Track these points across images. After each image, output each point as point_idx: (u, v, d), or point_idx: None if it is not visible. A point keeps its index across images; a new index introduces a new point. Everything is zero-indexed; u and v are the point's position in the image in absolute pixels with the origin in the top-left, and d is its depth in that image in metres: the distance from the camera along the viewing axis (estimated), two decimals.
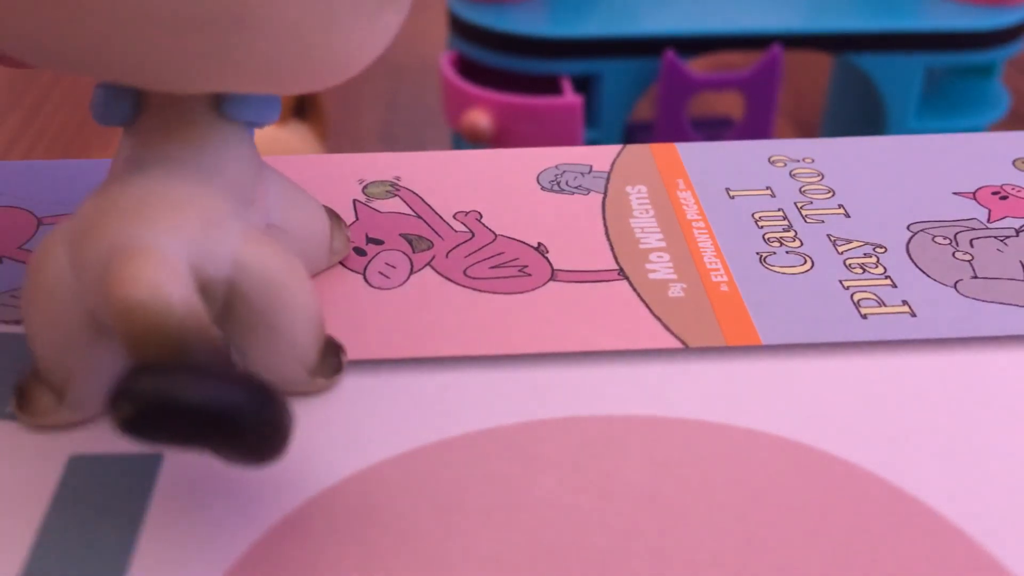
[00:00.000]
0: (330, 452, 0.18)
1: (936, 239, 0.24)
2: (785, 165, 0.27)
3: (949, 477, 0.18)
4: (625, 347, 0.21)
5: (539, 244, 0.24)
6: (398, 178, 0.26)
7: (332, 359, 0.20)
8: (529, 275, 0.23)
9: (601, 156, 0.28)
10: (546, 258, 0.23)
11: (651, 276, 0.23)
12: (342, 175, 0.26)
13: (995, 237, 0.24)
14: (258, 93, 0.18)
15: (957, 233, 0.25)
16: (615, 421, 0.19)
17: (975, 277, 0.23)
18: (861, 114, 0.87)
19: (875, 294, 0.22)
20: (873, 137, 0.29)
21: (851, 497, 0.18)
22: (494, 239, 0.24)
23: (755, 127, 0.80)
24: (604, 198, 0.26)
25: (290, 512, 0.17)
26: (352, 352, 0.21)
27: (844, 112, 0.92)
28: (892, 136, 0.29)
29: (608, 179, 0.27)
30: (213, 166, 0.18)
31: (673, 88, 0.77)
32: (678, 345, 0.21)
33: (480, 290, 0.22)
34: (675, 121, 0.79)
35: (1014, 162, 0.28)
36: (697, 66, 1.15)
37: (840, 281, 0.23)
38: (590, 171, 0.27)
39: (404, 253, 0.24)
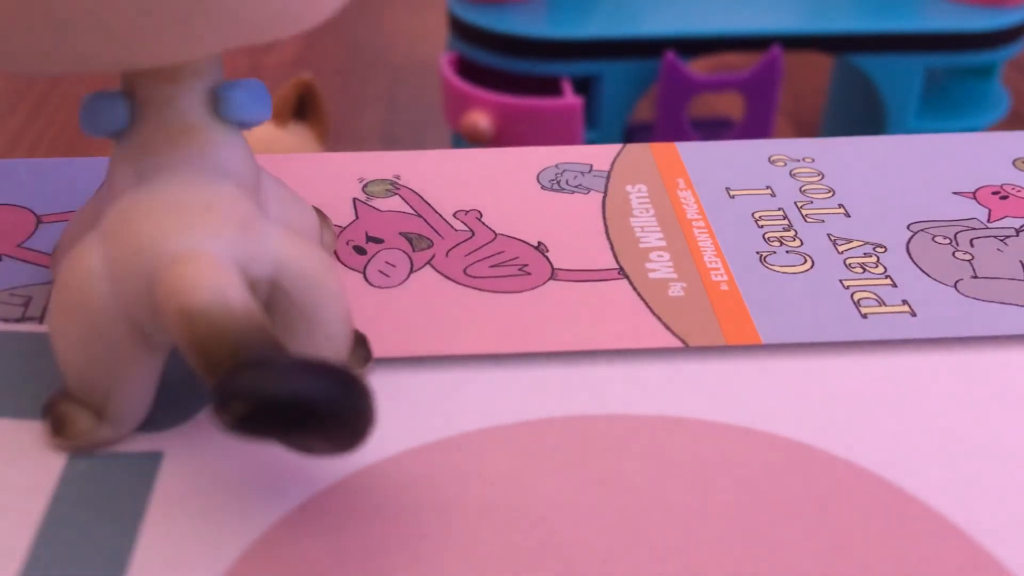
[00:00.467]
0: None
1: (936, 239, 0.24)
2: (785, 165, 0.27)
3: (949, 477, 0.18)
4: (625, 346, 0.21)
5: (539, 243, 0.24)
6: (398, 177, 0.26)
7: (361, 350, 0.20)
8: (529, 274, 0.23)
9: (601, 155, 0.28)
10: (546, 257, 0.23)
11: (651, 275, 0.23)
12: (342, 174, 0.26)
13: (995, 237, 0.24)
14: (238, 45, 0.17)
15: (957, 233, 0.25)
16: (615, 420, 0.19)
17: (975, 277, 0.23)
18: (861, 115, 0.87)
19: (875, 294, 0.22)
20: (873, 137, 0.29)
21: (851, 496, 0.18)
22: (494, 238, 0.24)
23: (755, 128, 0.80)
24: (604, 197, 0.26)
25: (290, 512, 0.17)
26: None
27: (844, 113, 0.92)
28: (892, 136, 0.29)
29: (608, 178, 0.27)
30: (223, 168, 0.18)
31: (673, 89, 0.77)
32: (678, 344, 0.21)
33: (480, 289, 0.22)
34: (675, 122, 0.79)
35: (1014, 162, 0.28)
36: (697, 67, 1.15)
37: (840, 281, 0.23)
38: (590, 170, 0.27)
39: (404, 252, 0.24)
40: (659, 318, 0.22)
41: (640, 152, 0.28)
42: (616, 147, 0.28)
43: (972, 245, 0.24)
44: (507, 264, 0.23)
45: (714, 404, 0.19)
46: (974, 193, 0.26)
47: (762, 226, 0.25)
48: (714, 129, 0.88)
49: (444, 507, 0.17)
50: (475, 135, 0.76)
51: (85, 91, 1.14)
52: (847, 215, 0.25)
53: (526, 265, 0.23)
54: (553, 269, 0.23)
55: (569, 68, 0.77)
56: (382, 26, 1.30)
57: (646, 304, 0.22)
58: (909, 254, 0.24)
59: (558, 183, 0.26)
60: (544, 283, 0.23)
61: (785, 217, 0.25)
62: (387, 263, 0.23)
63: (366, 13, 1.33)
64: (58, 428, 0.18)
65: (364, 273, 0.23)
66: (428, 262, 0.23)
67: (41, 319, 0.21)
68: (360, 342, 0.20)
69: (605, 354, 0.21)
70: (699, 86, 0.78)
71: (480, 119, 0.76)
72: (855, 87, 0.88)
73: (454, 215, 0.25)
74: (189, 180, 0.17)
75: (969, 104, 0.85)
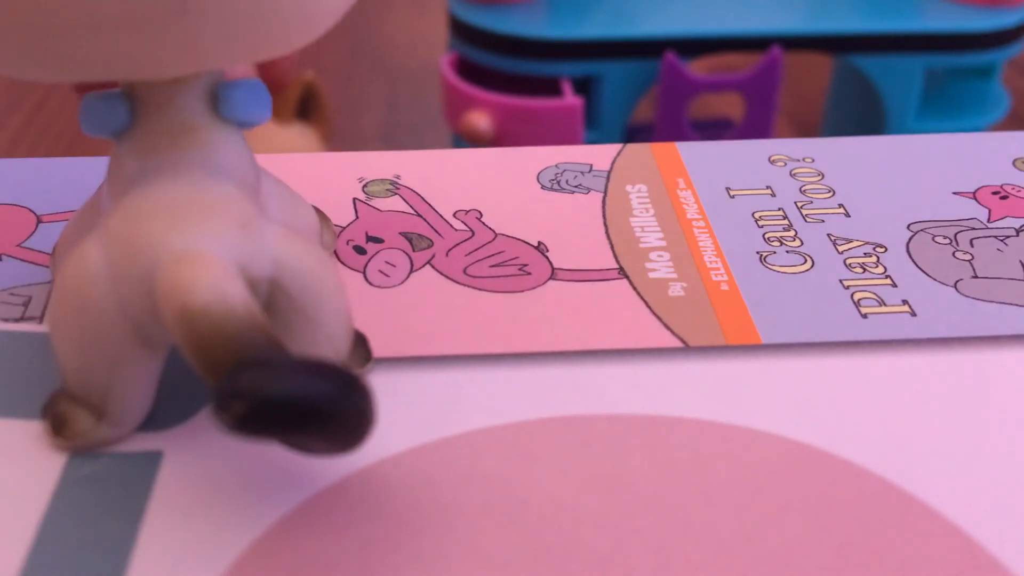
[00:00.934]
0: None
1: (936, 239, 0.24)
2: (785, 165, 0.27)
3: (949, 477, 0.18)
4: (625, 346, 0.21)
5: (539, 243, 0.24)
6: (398, 176, 0.26)
7: (361, 349, 0.20)
8: (529, 274, 0.23)
9: (601, 155, 0.28)
10: (546, 257, 0.23)
11: (651, 275, 0.23)
12: (342, 174, 0.26)
13: (995, 237, 0.24)
14: (236, 62, 0.17)
15: (957, 233, 0.25)
16: (615, 420, 0.19)
17: (975, 277, 0.23)
18: (861, 115, 0.87)
19: (875, 293, 0.22)
20: (873, 137, 0.29)
21: (851, 496, 0.18)
22: (494, 238, 0.24)
23: (755, 129, 0.80)
24: (604, 197, 0.26)
25: (290, 511, 0.17)
26: None
27: (844, 113, 0.92)
28: (892, 136, 0.29)
29: (608, 178, 0.27)
30: (223, 168, 0.18)
31: (673, 90, 0.77)
32: (678, 344, 0.21)
33: (480, 289, 0.22)
34: (675, 123, 0.79)
35: (1014, 162, 0.28)
36: (697, 68, 1.15)
37: (840, 280, 0.23)
38: (590, 170, 0.27)
39: (404, 252, 0.24)
40: (659, 318, 0.22)
41: (640, 152, 0.28)
42: (616, 147, 0.28)
43: (972, 245, 0.24)
44: (507, 264, 0.23)
45: (714, 404, 0.19)
46: (974, 193, 0.26)
47: (762, 226, 0.25)
48: (714, 129, 0.88)
49: (444, 507, 0.17)
50: (475, 136, 0.76)
51: (85, 91, 1.14)
52: (847, 215, 0.25)
53: (526, 265, 0.23)
54: (553, 269, 0.23)
55: (569, 68, 0.77)
56: (383, 28, 1.30)
57: (646, 304, 0.22)
58: (909, 254, 0.24)
59: (558, 183, 0.26)
60: (544, 283, 0.23)
61: (785, 217, 0.25)
62: (387, 263, 0.23)
63: (367, 14, 1.33)
64: (58, 428, 0.18)
65: (364, 273, 0.23)
66: (428, 262, 0.23)
67: (41, 319, 0.21)
68: (360, 342, 0.20)
69: (605, 354, 0.21)
70: (699, 86, 0.78)
71: (480, 119, 0.76)
72: (855, 87, 0.88)
73: (454, 215, 0.25)
74: (189, 180, 0.17)
75: (969, 104, 0.85)
